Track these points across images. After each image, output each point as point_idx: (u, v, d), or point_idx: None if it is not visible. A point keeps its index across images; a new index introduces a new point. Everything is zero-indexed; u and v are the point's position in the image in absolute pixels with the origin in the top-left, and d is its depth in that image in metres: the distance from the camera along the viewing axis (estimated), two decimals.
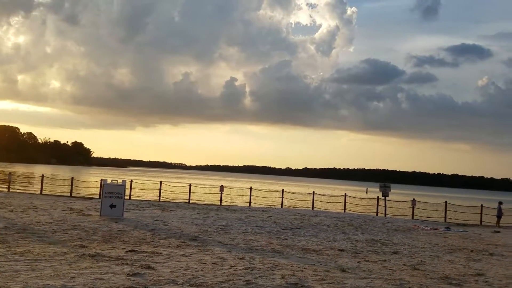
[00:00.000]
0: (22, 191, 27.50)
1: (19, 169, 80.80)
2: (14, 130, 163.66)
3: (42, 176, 28.31)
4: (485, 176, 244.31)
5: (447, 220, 24.89)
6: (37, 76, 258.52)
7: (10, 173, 32.48)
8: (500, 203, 23.76)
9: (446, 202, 26.30)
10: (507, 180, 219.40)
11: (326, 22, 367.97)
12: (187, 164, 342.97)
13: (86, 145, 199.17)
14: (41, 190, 26.41)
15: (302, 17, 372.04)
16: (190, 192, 27.87)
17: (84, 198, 23.68)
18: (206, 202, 27.25)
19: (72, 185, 26.50)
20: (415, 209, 26.34)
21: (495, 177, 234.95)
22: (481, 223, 24.48)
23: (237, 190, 36.33)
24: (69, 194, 25.58)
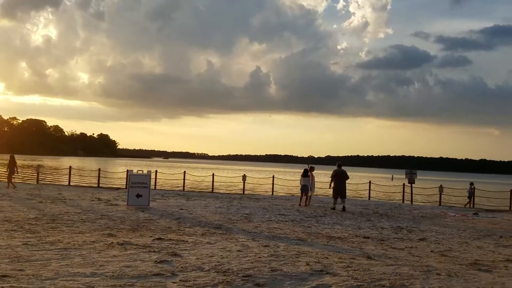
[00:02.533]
0: (50, 183, 28.22)
1: (47, 161, 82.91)
2: (41, 124, 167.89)
3: (70, 167, 28.94)
4: None
5: (475, 206, 24.40)
6: (65, 70, 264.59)
7: (38, 165, 33.32)
8: (472, 184, 25.05)
9: (474, 187, 25.72)
10: None
11: (357, 7, 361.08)
12: (210, 154, 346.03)
13: (113, 137, 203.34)
14: (69, 181, 27.02)
15: (331, 3, 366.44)
16: (213, 181, 28.10)
17: (111, 188, 24.12)
18: (229, 191, 27.44)
19: (99, 176, 27.03)
20: (442, 195, 25.89)
21: None
22: (510, 208, 23.89)
23: (260, 179, 36.41)
24: (96, 185, 26.11)
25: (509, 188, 25.90)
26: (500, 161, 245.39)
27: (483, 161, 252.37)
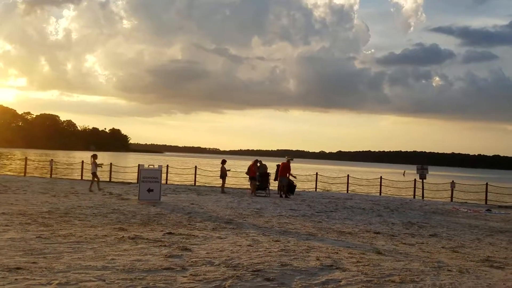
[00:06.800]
0: (63, 177, 28.51)
1: (60, 155, 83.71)
2: (54, 118, 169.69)
3: (82, 162, 29.19)
4: None
5: (488, 202, 24.11)
6: (84, 66, 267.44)
7: (51, 160, 33.66)
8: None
9: (487, 183, 25.42)
10: None
11: (379, 3, 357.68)
12: (221, 149, 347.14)
13: (125, 132, 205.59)
14: (82, 175, 27.28)
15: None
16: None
17: (122, 183, 24.30)
18: (240, 186, 27.45)
19: (111, 171, 27.24)
20: (454, 191, 25.64)
21: None
22: None
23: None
24: (108, 179, 26.32)
25: None
26: None
27: (496, 156, 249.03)
